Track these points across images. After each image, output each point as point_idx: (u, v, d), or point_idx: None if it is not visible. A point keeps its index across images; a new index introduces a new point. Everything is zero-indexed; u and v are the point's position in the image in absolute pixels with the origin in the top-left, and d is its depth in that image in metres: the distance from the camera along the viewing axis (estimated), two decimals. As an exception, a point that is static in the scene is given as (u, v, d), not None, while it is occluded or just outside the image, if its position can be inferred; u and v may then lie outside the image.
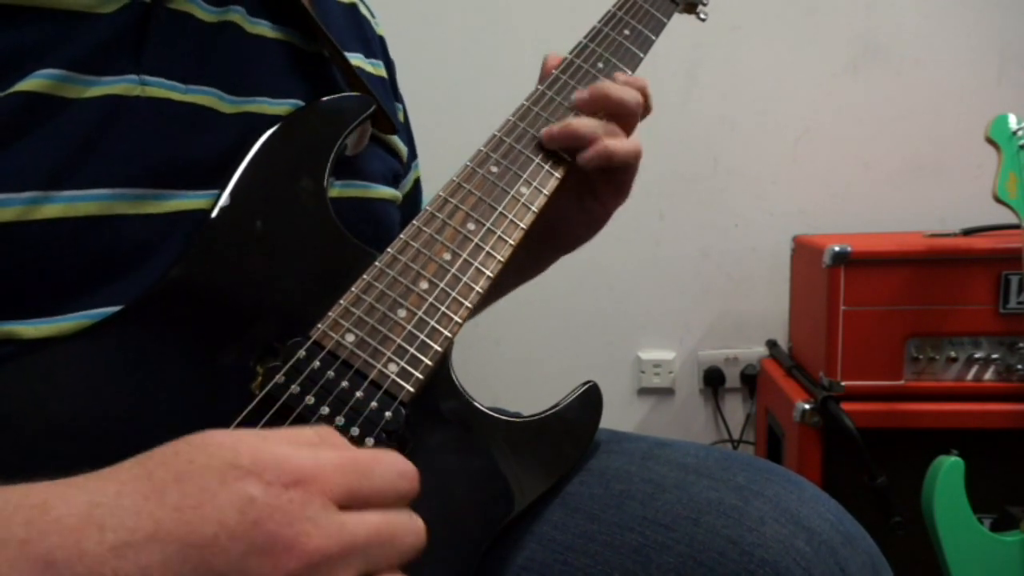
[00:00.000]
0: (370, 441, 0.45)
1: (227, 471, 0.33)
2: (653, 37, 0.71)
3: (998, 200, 1.11)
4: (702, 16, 0.81)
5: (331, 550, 0.33)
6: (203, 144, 0.51)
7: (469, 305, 0.52)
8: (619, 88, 0.62)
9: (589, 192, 0.66)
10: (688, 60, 1.60)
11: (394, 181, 0.66)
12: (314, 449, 0.36)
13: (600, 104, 0.62)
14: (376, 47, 0.70)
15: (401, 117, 0.73)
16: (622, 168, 0.64)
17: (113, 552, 0.31)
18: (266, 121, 0.54)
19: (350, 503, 0.35)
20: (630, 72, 0.68)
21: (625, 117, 0.63)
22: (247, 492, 0.32)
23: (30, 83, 0.44)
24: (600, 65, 0.66)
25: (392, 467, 0.37)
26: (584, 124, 0.61)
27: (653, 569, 0.47)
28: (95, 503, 0.32)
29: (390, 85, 0.71)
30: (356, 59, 0.63)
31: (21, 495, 0.32)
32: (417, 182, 0.75)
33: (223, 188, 0.50)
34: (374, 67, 0.67)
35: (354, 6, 0.69)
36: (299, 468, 0.34)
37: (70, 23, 0.47)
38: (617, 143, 0.61)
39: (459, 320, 0.51)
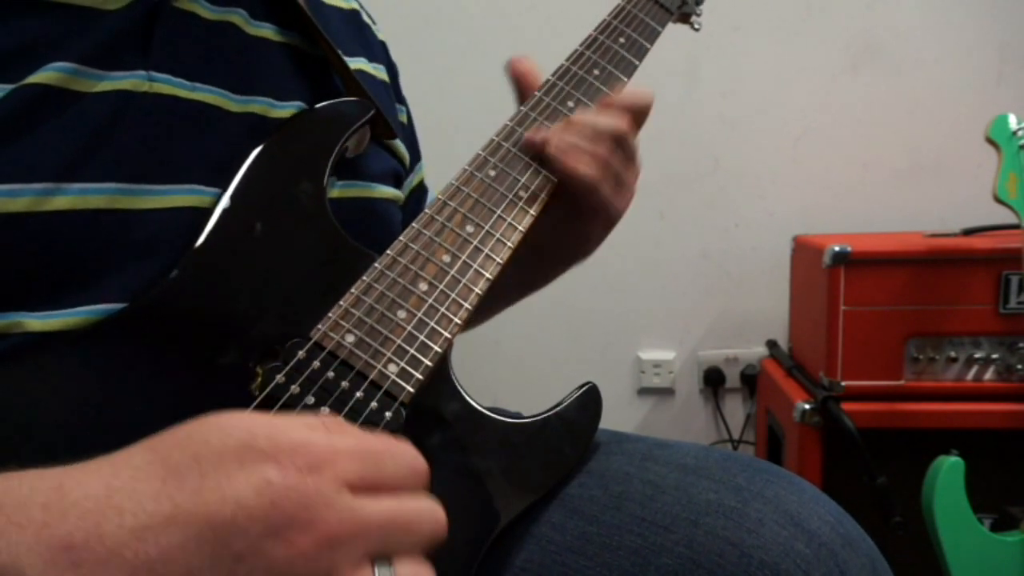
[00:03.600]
0: None
1: (244, 453, 0.33)
2: (648, 45, 0.71)
3: (998, 200, 1.11)
4: (696, 26, 0.81)
5: (344, 531, 0.33)
6: (208, 142, 0.51)
7: (468, 307, 0.52)
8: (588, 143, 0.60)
9: (577, 214, 0.64)
10: (688, 60, 1.60)
11: (396, 182, 0.67)
12: (328, 435, 0.36)
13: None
14: (378, 52, 0.70)
15: (404, 119, 0.73)
16: (584, 192, 0.61)
17: (133, 535, 0.31)
18: (270, 123, 0.55)
19: (362, 488, 0.35)
20: (626, 79, 0.68)
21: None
22: (265, 475, 0.33)
23: (43, 75, 0.45)
24: (596, 72, 0.67)
25: (403, 459, 0.38)
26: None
27: (652, 571, 0.47)
28: (112, 487, 0.32)
29: (392, 89, 0.71)
30: (360, 63, 0.64)
31: (35, 478, 0.33)
32: (420, 184, 0.75)
33: (225, 188, 0.51)
34: (377, 70, 0.67)
35: (355, 12, 0.69)
36: (315, 453, 0.34)
37: (81, 18, 0.47)
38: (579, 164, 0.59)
39: (458, 321, 0.51)
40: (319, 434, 0.35)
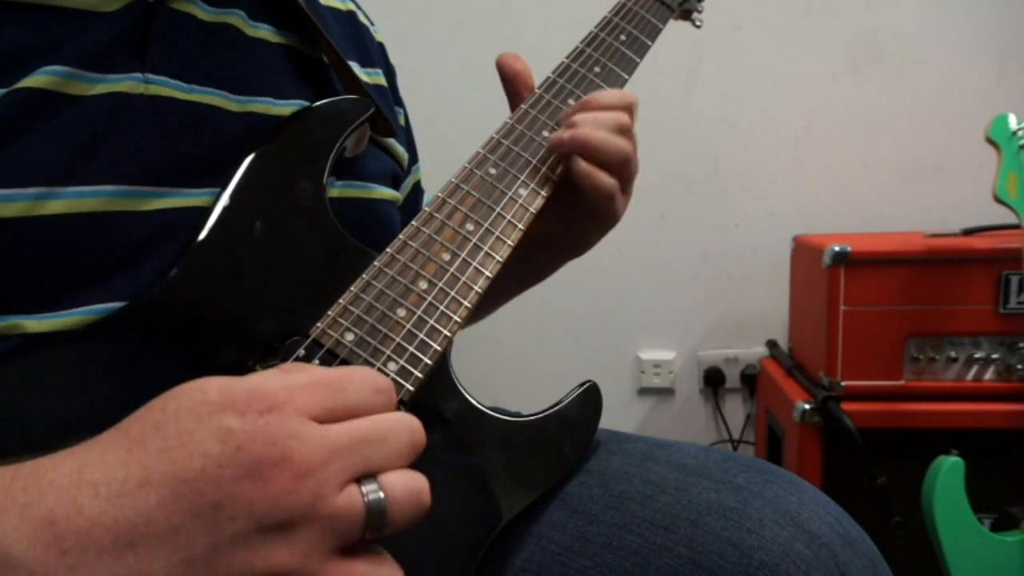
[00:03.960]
0: None
1: (200, 408, 0.34)
2: (649, 43, 0.71)
3: (998, 200, 1.11)
4: (697, 23, 0.81)
5: (318, 458, 0.34)
6: (206, 143, 0.51)
7: (468, 305, 0.52)
8: (606, 138, 0.60)
9: (577, 214, 0.65)
10: (688, 60, 1.60)
11: (394, 182, 0.67)
12: (284, 376, 0.36)
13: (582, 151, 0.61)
14: (375, 55, 0.70)
15: (402, 122, 0.73)
16: (595, 198, 0.63)
17: (110, 503, 0.32)
18: (271, 122, 0.54)
19: (328, 418, 0.36)
20: (627, 76, 0.68)
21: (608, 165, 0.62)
22: (224, 423, 0.33)
23: (35, 79, 0.45)
24: (597, 69, 0.67)
25: (366, 383, 0.38)
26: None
27: (652, 571, 0.47)
28: (83, 463, 0.33)
29: (390, 91, 0.71)
30: (353, 68, 0.64)
31: (15, 467, 0.34)
32: (417, 185, 0.75)
33: (224, 188, 0.51)
34: (370, 76, 0.67)
35: (352, 13, 0.69)
36: (271, 394, 0.35)
37: (75, 21, 0.47)
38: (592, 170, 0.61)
39: (458, 319, 0.51)
40: (274, 378, 0.36)
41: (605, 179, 0.61)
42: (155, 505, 0.32)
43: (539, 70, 0.70)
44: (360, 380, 0.38)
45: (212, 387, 0.34)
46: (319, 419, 0.35)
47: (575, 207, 0.64)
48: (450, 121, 1.43)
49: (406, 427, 0.38)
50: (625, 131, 0.62)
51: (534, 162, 0.60)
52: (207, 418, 0.33)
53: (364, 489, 0.35)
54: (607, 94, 0.63)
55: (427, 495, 0.37)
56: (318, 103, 0.57)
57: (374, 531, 0.35)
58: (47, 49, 0.46)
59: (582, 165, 0.60)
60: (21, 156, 0.44)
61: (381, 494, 0.35)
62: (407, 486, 0.36)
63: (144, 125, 0.48)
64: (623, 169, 0.63)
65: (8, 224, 0.43)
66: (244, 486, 0.32)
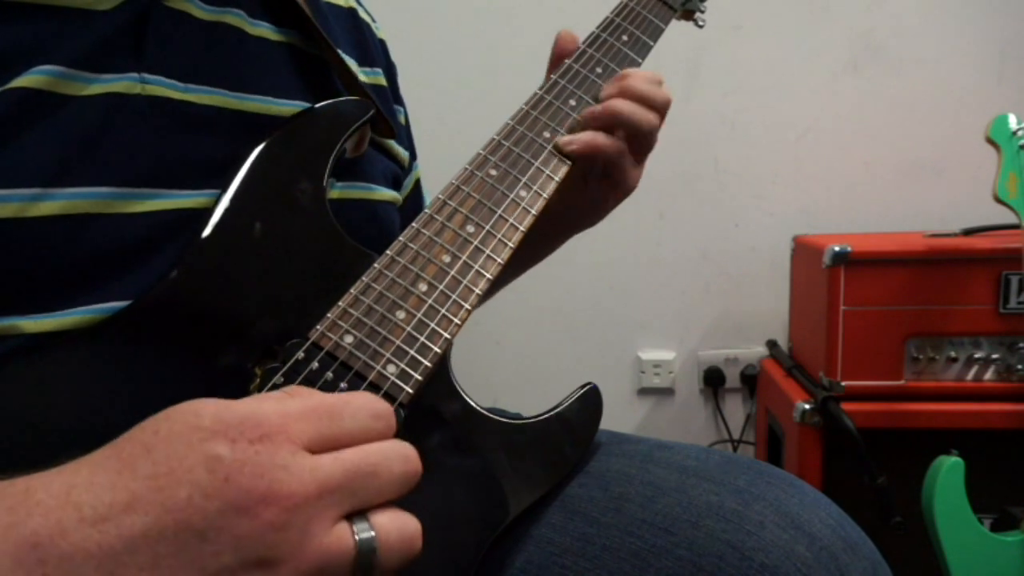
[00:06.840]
0: None
1: (191, 434, 0.33)
2: (651, 43, 0.71)
3: (998, 200, 1.11)
4: (700, 23, 0.81)
5: (307, 493, 0.33)
6: (203, 143, 0.51)
7: (468, 307, 0.52)
8: (636, 109, 0.64)
9: (593, 182, 0.68)
10: (689, 60, 1.60)
11: (395, 183, 0.66)
12: (279, 401, 0.36)
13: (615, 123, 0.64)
14: (376, 53, 0.69)
15: (402, 120, 0.72)
16: (613, 164, 0.66)
17: (95, 527, 0.31)
18: (269, 122, 0.54)
19: (322, 447, 0.35)
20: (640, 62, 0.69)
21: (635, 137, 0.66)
22: (214, 451, 0.32)
23: (29, 79, 0.44)
24: (599, 70, 0.67)
25: (363, 408, 0.37)
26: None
27: (652, 573, 0.47)
28: (71, 484, 0.32)
29: (390, 90, 0.70)
30: (352, 67, 0.64)
31: (4, 485, 0.33)
32: (417, 183, 0.75)
33: (223, 188, 0.50)
34: (368, 75, 0.67)
35: (353, 11, 0.69)
36: (263, 421, 0.34)
37: (70, 20, 0.47)
38: (604, 139, 0.64)
39: (458, 322, 0.51)
40: (269, 403, 0.35)
41: (647, 116, 0.65)
42: (139, 534, 0.31)
43: (540, 70, 0.70)
44: (358, 406, 0.37)
45: (205, 411, 0.34)
46: (313, 448, 0.34)
47: (583, 175, 0.66)
48: (450, 121, 1.43)
49: (399, 456, 0.37)
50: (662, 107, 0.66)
51: (535, 163, 0.60)
52: (198, 444, 0.33)
53: (355, 528, 0.34)
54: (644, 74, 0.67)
55: (419, 540, 0.36)
56: (319, 104, 0.57)
57: (362, 573, 0.34)
58: (41, 48, 0.45)
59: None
60: (15, 157, 0.43)
61: (372, 534, 0.34)
62: (400, 529, 0.36)
63: (140, 126, 0.48)
64: (650, 138, 0.67)
65: (1, 225, 0.43)
66: (230, 519, 0.32)
